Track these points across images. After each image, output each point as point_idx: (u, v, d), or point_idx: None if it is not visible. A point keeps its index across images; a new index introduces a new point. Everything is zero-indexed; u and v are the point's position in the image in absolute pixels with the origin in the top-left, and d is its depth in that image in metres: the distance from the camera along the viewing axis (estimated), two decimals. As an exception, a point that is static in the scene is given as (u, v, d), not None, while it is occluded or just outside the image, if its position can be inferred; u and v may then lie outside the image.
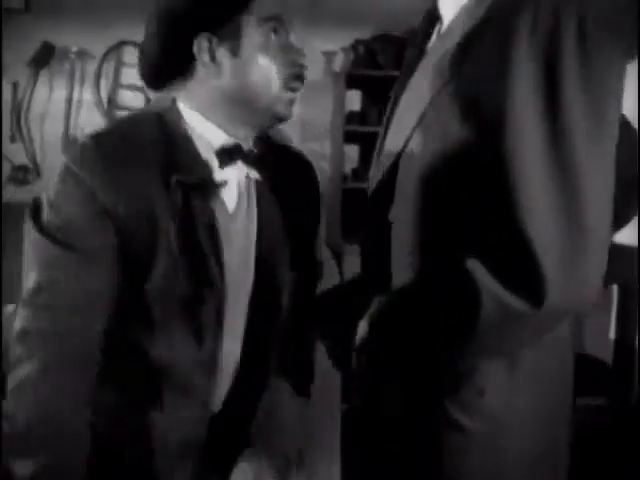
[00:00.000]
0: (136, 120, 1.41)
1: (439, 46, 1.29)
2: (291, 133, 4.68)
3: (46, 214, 1.31)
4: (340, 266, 4.58)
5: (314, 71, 4.62)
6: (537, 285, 1.09)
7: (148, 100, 4.56)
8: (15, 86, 4.48)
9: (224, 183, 1.39)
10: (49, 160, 4.52)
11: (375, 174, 1.39)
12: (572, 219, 1.10)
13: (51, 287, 1.29)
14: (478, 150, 1.16)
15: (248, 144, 1.44)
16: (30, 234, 1.32)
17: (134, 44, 4.52)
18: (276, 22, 1.38)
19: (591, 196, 1.10)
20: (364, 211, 1.42)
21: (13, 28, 4.41)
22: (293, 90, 1.39)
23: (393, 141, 1.33)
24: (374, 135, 1.46)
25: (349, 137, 4.53)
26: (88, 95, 4.57)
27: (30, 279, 1.30)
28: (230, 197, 1.42)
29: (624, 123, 1.38)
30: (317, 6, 4.63)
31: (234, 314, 1.43)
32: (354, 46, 4.46)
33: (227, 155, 1.40)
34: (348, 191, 4.53)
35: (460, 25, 1.25)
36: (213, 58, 1.35)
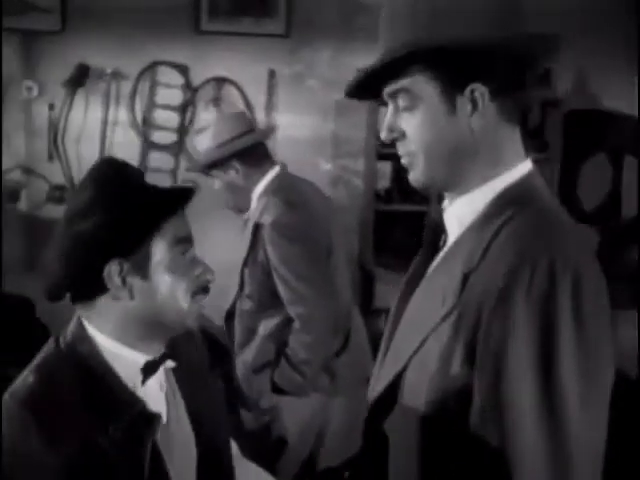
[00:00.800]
0: (54, 370, 1.42)
1: (443, 268, 1.33)
2: (324, 150, 4.70)
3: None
4: (371, 287, 4.58)
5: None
6: None
7: (183, 120, 4.60)
8: (51, 107, 4.54)
9: (159, 417, 1.43)
10: (85, 180, 4.56)
11: (376, 385, 1.42)
12: None
13: None
14: (475, 392, 1.19)
15: (161, 351, 1.50)
16: None
17: (168, 64, 4.57)
18: (185, 243, 1.45)
19: (581, 463, 1.13)
20: (365, 420, 1.45)
21: (49, 49, 4.48)
22: (199, 302, 1.47)
23: (394, 358, 1.37)
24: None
25: (382, 154, 4.52)
26: (123, 115, 4.61)
27: None
28: (160, 406, 1.48)
29: None
30: (349, 22, 4.65)
31: None
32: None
33: (148, 372, 1.45)
34: (381, 213, 4.52)
35: (464, 250, 1.27)
36: (124, 281, 1.39)
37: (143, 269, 1.40)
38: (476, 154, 1.30)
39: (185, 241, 1.45)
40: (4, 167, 4.50)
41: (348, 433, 2.90)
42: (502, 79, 1.27)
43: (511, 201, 1.27)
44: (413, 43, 1.26)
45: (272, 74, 4.66)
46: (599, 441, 1.18)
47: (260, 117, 4.66)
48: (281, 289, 2.83)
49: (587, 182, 4.73)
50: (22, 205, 4.58)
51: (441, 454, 1.26)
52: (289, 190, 2.93)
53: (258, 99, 4.68)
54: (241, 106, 4.63)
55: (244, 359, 3.00)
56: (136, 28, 4.49)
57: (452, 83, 1.27)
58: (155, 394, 1.48)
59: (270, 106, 4.68)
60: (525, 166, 1.32)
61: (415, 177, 1.36)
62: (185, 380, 1.58)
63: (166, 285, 1.42)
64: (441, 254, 1.37)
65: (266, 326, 2.94)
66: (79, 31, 4.44)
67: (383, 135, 1.36)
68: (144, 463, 1.37)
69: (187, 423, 1.56)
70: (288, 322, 2.87)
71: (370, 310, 4.68)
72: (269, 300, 2.90)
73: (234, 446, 1.81)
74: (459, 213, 1.34)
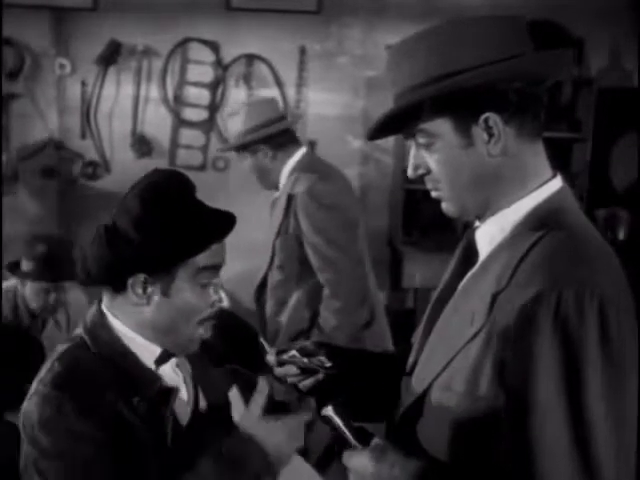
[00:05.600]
0: (77, 356, 1.51)
1: (472, 287, 1.34)
2: (355, 127, 4.70)
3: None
4: (399, 265, 4.58)
5: (377, 66, 4.61)
6: None
7: (214, 97, 4.61)
8: (83, 84, 4.58)
9: (176, 390, 1.53)
10: (117, 156, 4.62)
11: (406, 397, 1.43)
12: None
13: None
14: (503, 421, 1.21)
15: None
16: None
17: (199, 41, 4.58)
18: (212, 271, 1.50)
19: None
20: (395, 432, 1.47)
21: (81, 26, 4.51)
22: (204, 327, 1.54)
23: (421, 376, 1.38)
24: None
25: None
26: (154, 92, 4.64)
27: None
28: (180, 384, 1.58)
29: None
30: (380, -1, 4.62)
31: None
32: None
33: (160, 362, 1.54)
34: (411, 192, 4.51)
35: (493, 270, 1.28)
36: (144, 291, 1.46)
37: (165, 287, 1.47)
38: (501, 177, 1.30)
39: (213, 268, 1.50)
40: (39, 143, 4.57)
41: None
42: (513, 103, 1.26)
43: (540, 221, 1.27)
44: (415, 88, 1.28)
45: (303, 51, 4.65)
46: (630, 462, 1.19)
47: (291, 94, 4.66)
48: (311, 256, 2.94)
49: (619, 162, 4.68)
50: (55, 181, 4.64)
51: (466, 473, 1.28)
52: (318, 165, 3.09)
53: (289, 76, 4.68)
54: (272, 83, 4.64)
55: (276, 329, 3.09)
56: (167, 5, 4.51)
57: (464, 117, 1.27)
58: (170, 376, 1.57)
59: (301, 83, 4.68)
60: (554, 184, 1.32)
61: (448, 208, 1.37)
62: (197, 369, 1.67)
63: (182, 306, 1.48)
64: (471, 272, 1.38)
65: (297, 296, 3.04)
66: (111, 8, 4.46)
67: (409, 173, 1.38)
68: (166, 432, 1.48)
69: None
70: (318, 291, 2.96)
71: (398, 288, 4.69)
72: (299, 269, 3.01)
73: None
74: (490, 232, 1.35)
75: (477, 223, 1.39)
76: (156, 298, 1.47)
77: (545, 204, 1.30)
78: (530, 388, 1.16)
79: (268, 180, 3.09)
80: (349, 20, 4.65)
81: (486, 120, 1.26)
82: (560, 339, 1.13)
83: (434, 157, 1.32)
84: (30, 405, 1.43)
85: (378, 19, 4.61)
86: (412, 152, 1.37)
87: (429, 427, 1.34)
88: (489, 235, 1.34)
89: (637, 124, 4.46)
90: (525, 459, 1.17)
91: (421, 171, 1.35)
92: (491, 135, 1.27)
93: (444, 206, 1.37)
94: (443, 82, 1.25)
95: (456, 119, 1.27)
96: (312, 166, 3.03)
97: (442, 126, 1.29)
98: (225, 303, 1.55)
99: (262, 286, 3.16)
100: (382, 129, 1.37)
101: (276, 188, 3.10)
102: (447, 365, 1.29)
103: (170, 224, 1.44)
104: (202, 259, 1.46)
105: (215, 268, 1.50)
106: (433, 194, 1.37)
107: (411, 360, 1.48)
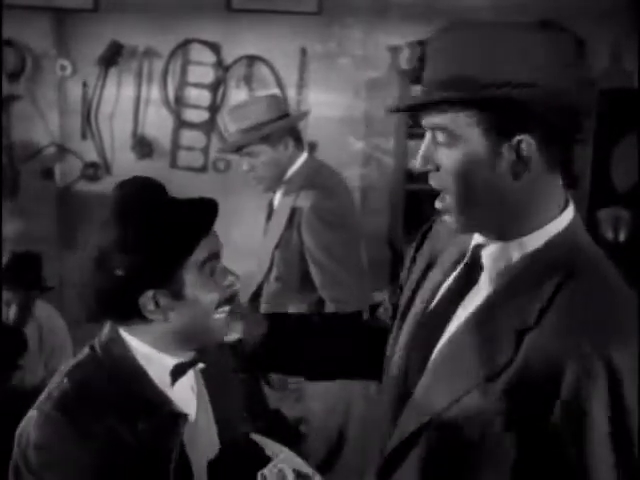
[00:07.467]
0: (87, 373, 1.47)
1: (485, 319, 1.27)
2: (356, 128, 4.69)
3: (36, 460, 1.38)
4: (400, 267, 4.56)
5: (378, 67, 4.61)
6: None
7: (215, 98, 4.61)
8: (84, 85, 4.57)
9: (185, 417, 1.48)
10: (118, 157, 4.62)
11: (391, 436, 1.38)
12: None
13: None
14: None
15: (191, 355, 1.53)
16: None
17: (200, 42, 4.58)
18: (214, 259, 1.46)
19: None
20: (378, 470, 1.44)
21: (82, 28, 4.50)
22: (224, 312, 1.51)
23: (424, 399, 1.33)
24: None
25: (414, 132, 4.50)
26: (155, 93, 4.64)
27: None
28: (191, 407, 1.54)
29: None
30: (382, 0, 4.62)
31: None
32: (420, 41, 4.42)
33: (176, 375, 1.50)
34: (412, 192, 4.50)
35: (512, 304, 1.23)
36: (157, 305, 1.42)
37: (177, 292, 1.43)
38: (518, 202, 1.24)
39: (214, 257, 1.47)
40: (40, 144, 4.56)
41: (369, 420, 2.95)
42: (554, 130, 1.21)
43: (558, 255, 1.23)
44: (452, 86, 1.20)
45: (304, 52, 4.65)
46: None
47: (291, 95, 4.66)
48: (315, 273, 2.88)
49: (620, 162, 4.67)
50: (56, 182, 4.63)
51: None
52: (322, 174, 3.00)
53: (290, 77, 4.68)
54: (272, 84, 4.64)
55: None
56: (168, 6, 4.50)
57: (498, 132, 1.20)
58: (187, 395, 1.54)
59: (302, 84, 4.68)
60: (568, 213, 1.27)
61: (452, 222, 1.31)
62: (211, 382, 1.63)
63: (199, 302, 1.45)
64: (479, 299, 1.31)
65: (296, 309, 2.98)
66: (112, 9, 4.46)
67: (418, 164, 1.30)
68: (171, 461, 1.43)
69: (213, 424, 1.61)
70: (319, 306, 2.91)
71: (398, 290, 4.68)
72: (298, 283, 2.96)
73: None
74: (502, 258, 1.28)
75: (480, 239, 1.33)
76: (171, 307, 1.43)
77: (562, 235, 1.25)
78: (582, 447, 1.14)
79: (274, 179, 2.98)
80: (350, 21, 4.64)
81: (519, 142, 1.19)
82: (614, 402, 1.11)
83: (451, 158, 1.24)
84: (32, 420, 1.40)
85: (379, 20, 4.61)
86: (425, 143, 1.29)
87: (427, 463, 1.29)
88: (501, 262, 1.29)
89: (638, 125, 4.46)
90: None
91: (430, 166, 1.28)
92: (519, 158, 1.20)
93: (447, 219, 1.31)
94: (490, 90, 1.17)
95: (488, 132, 1.20)
96: (316, 176, 2.95)
97: (470, 132, 1.21)
98: (237, 286, 1.50)
99: (256, 295, 3.10)
100: (409, 109, 1.30)
101: (273, 191, 3.04)
102: (455, 402, 1.23)
103: (155, 229, 1.40)
104: (199, 254, 1.43)
105: (215, 256, 1.47)
106: (438, 205, 1.30)
107: (396, 370, 1.43)
